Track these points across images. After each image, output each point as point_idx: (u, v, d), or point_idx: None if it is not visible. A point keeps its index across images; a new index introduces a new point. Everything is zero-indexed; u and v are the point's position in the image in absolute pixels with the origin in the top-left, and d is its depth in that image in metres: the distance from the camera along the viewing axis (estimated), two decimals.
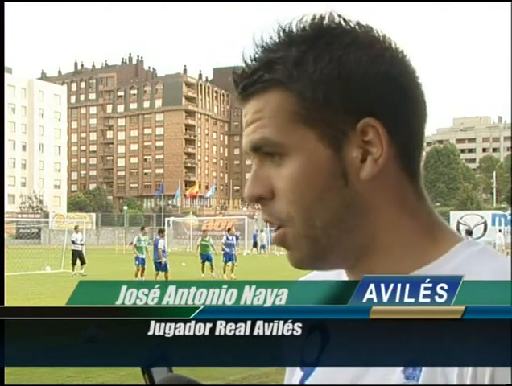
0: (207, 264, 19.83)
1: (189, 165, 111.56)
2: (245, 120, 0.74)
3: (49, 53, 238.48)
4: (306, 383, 0.81)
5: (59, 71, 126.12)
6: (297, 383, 0.82)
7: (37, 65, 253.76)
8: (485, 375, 0.66)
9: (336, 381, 0.76)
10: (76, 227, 23.25)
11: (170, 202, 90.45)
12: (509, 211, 45.15)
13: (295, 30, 0.72)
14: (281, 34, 0.72)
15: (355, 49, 0.70)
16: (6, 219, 22.10)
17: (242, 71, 0.73)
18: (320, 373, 0.79)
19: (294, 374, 0.84)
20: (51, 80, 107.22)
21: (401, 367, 0.70)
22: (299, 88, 0.70)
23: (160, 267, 16.99)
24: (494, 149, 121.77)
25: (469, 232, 17.58)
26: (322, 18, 0.72)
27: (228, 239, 20.95)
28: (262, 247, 36.39)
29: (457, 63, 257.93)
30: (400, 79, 0.72)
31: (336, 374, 0.75)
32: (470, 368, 0.66)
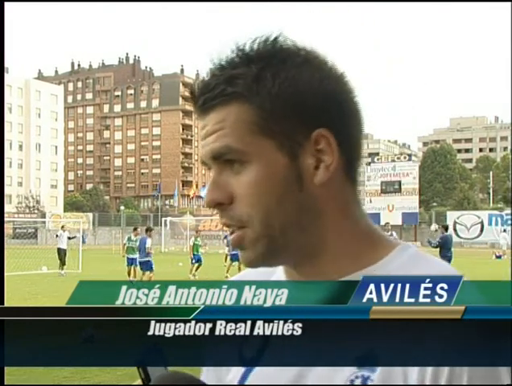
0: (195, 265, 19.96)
1: (186, 165, 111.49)
2: (203, 131, 0.80)
3: (46, 53, 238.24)
4: (246, 381, 0.83)
5: (56, 71, 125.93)
6: (236, 382, 0.84)
7: (34, 65, 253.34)
8: (443, 376, 0.70)
9: (278, 380, 0.78)
10: (62, 227, 23.43)
11: (167, 202, 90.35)
12: (506, 211, 45.21)
13: (249, 49, 0.79)
14: (238, 53, 0.78)
15: (306, 69, 0.78)
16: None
17: (203, 86, 0.79)
18: (261, 371, 0.81)
19: (229, 373, 0.85)
20: (48, 80, 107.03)
21: (351, 367, 0.74)
22: (258, 101, 0.76)
23: (146, 267, 16.40)
24: (491, 150, 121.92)
25: (445, 228, 17.90)
26: (275, 39, 0.79)
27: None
28: None
29: (455, 63, 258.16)
30: (343, 96, 0.80)
31: (276, 372, 0.78)
32: (430, 369, 0.70)
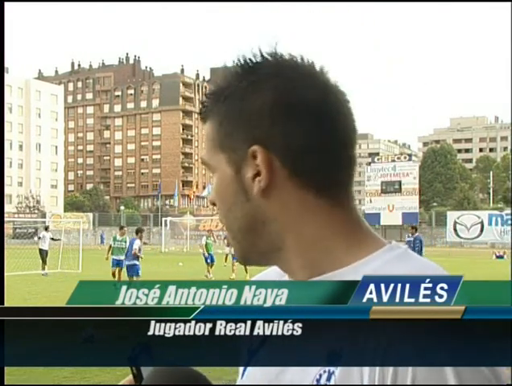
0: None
1: (186, 165, 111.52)
2: None
3: (46, 53, 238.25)
4: (241, 381, 0.89)
5: (56, 71, 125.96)
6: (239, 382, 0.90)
7: (34, 65, 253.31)
8: (406, 376, 0.71)
9: (257, 380, 0.84)
10: (47, 228, 23.48)
11: (167, 202, 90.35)
12: (506, 211, 45.20)
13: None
14: (224, 72, 0.88)
15: (250, 88, 0.84)
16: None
17: (201, 101, 0.90)
18: (248, 371, 0.87)
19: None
20: (48, 80, 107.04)
21: (317, 369, 0.77)
22: (216, 119, 0.86)
23: (132, 271, 15.10)
24: (491, 150, 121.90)
25: (414, 228, 18.03)
26: (237, 59, 0.86)
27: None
28: None
29: (455, 63, 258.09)
30: (294, 108, 0.83)
31: (257, 372, 0.84)
32: (391, 369, 0.72)
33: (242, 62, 0.86)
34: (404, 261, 0.80)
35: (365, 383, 0.74)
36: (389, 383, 0.71)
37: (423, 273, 0.77)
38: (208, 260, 20.50)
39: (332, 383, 0.76)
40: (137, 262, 15.19)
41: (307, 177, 0.83)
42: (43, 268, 21.67)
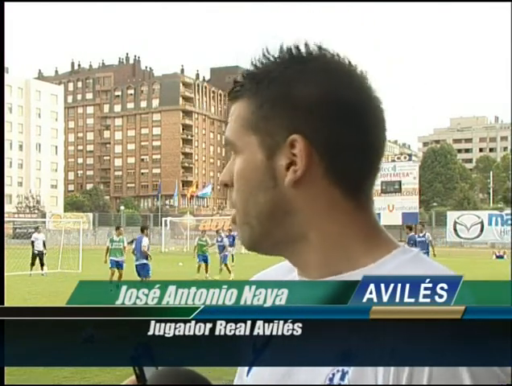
0: (203, 265, 19.53)
1: (186, 165, 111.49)
2: None
3: (46, 52, 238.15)
4: (246, 381, 0.89)
5: (56, 71, 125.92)
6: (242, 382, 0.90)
7: (34, 65, 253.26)
8: (403, 376, 0.72)
9: (269, 375, 0.83)
10: (37, 228, 23.33)
11: (167, 202, 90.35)
12: (506, 211, 45.20)
13: (263, 53, 0.86)
14: (261, 56, 0.86)
15: (303, 73, 0.84)
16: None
17: (234, 80, 0.89)
18: (255, 371, 0.86)
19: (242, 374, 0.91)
20: (48, 80, 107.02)
21: (329, 368, 0.77)
22: (254, 100, 0.85)
23: (143, 271, 14.60)
24: (491, 150, 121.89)
25: (409, 228, 18.26)
26: (281, 46, 0.86)
27: (217, 240, 20.92)
28: None
29: (454, 63, 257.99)
30: (332, 105, 0.83)
31: (264, 372, 0.84)
32: (392, 369, 0.72)
33: (291, 50, 0.85)
34: (417, 264, 0.81)
35: (379, 383, 0.74)
36: (404, 384, 0.72)
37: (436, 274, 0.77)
38: (201, 260, 19.70)
39: (345, 382, 0.76)
40: (147, 261, 14.68)
41: (339, 175, 0.83)
42: (42, 269, 21.63)
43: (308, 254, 0.84)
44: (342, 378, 0.76)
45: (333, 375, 0.77)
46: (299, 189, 0.83)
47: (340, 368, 0.76)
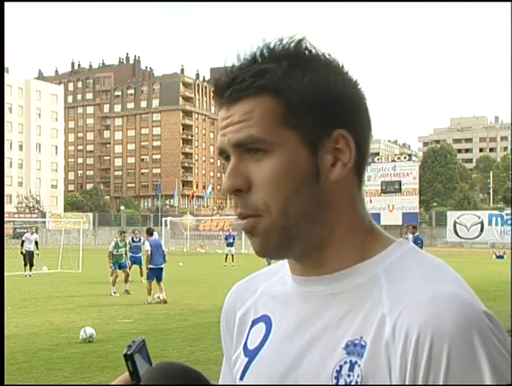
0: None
1: (186, 165, 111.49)
2: (227, 120, 0.83)
3: (46, 53, 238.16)
4: (248, 370, 0.87)
5: (56, 71, 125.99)
6: (240, 372, 0.88)
7: (34, 65, 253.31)
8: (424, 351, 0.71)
9: (275, 365, 0.82)
10: (31, 228, 23.21)
11: (167, 202, 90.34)
12: (506, 211, 45.19)
13: (276, 47, 0.83)
14: (265, 50, 0.83)
15: (329, 71, 0.83)
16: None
17: (230, 78, 0.82)
18: (261, 359, 0.85)
19: (237, 362, 0.90)
20: (48, 80, 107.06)
21: (343, 345, 0.77)
22: (286, 95, 0.81)
23: (160, 275, 13.88)
24: (491, 149, 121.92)
25: (415, 227, 18.36)
26: (299, 41, 0.84)
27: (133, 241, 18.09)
28: None
29: (455, 63, 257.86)
30: (360, 100, 0.85)
31: (275, 358, 0.83)
32: (413, 342, 0.72)
33: (318, 50, 0.84)
34: (415, 255, 0.82)
35: (394, 374, 0.72)
36: (421, 376, 0.71)
37: (433, 266, 0.80)
38: (116, 268, 16.09)
39: (355, 373, 0.75)
40: (164, 265, 14.15)
41: (361, 169, 0.85)
42: (30, 270, 21.54)
43: (326, 251, 0.83)
44: (351, 369, 0.75)
45: (340, 367, 0.76)
46: (338, 184, 0.82)
47: (348, 359, 0.76)
